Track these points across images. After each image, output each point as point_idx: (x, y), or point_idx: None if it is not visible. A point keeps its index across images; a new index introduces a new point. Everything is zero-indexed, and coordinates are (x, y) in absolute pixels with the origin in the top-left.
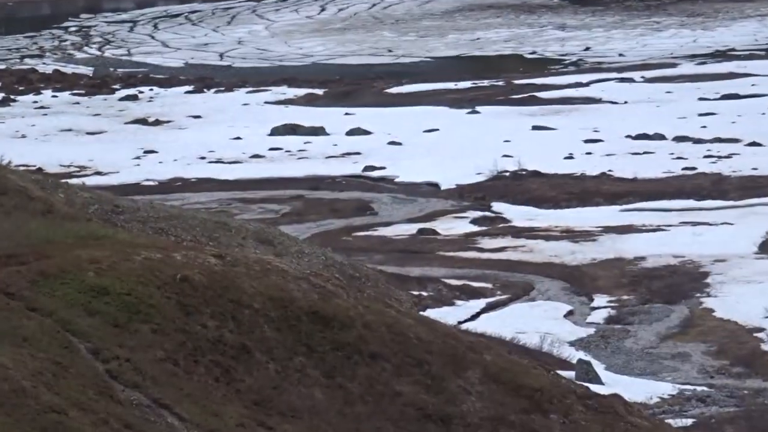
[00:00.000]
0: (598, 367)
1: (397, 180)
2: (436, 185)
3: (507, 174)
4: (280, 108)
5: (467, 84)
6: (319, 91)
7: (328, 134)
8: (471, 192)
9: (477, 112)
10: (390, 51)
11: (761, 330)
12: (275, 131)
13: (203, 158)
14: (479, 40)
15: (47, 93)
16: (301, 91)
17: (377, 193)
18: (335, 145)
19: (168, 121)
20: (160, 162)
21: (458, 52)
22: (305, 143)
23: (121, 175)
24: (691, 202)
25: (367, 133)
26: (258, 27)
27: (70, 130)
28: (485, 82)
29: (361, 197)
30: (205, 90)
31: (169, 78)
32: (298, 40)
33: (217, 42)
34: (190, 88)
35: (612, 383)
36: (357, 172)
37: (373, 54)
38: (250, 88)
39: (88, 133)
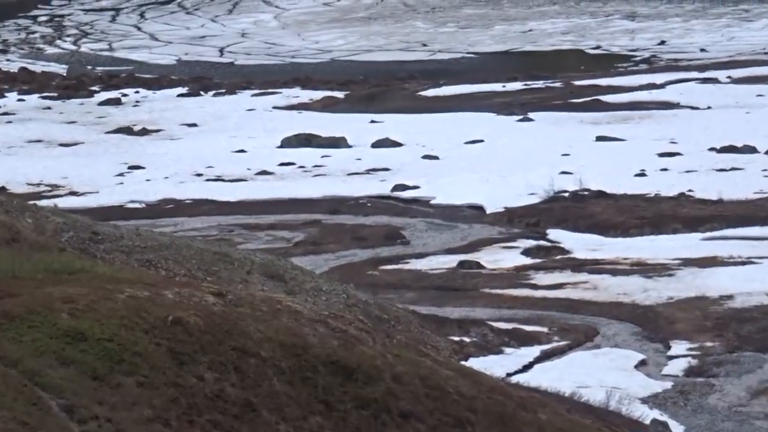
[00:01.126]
0: (677, 429)
1: (433, 202)
2: (480, 208)
3: (566, 195)
4: (292, 114)
5: (518, 85)
6: (339, 94)
7: (349, 146)
8: (522, 216)
9: (529, 120)
10: (424, 45)
11: None
12: (286, 143)
13: (200, 175)
14: (532, 32)
15: (12, 96)
16: (318, 94)
17: (409, 217)
18: (358, 159)
19: (157, 130)
20: (147, 180)
21: (507, 47)
22: (322, 157)
23: (100, 195)
24: None
25: (396, 144)
26: (266, 16)
27: (39, 141)
28: (539, 83)
29: (390, 223)
30: (202, 92)
31: (158, 78)
32: (314, 32)
33: (216, 34)
34: (183, 90)
35: None
36: (385, 192)
37: (405, 49)
38: (256, 91)
39: (61, 145)
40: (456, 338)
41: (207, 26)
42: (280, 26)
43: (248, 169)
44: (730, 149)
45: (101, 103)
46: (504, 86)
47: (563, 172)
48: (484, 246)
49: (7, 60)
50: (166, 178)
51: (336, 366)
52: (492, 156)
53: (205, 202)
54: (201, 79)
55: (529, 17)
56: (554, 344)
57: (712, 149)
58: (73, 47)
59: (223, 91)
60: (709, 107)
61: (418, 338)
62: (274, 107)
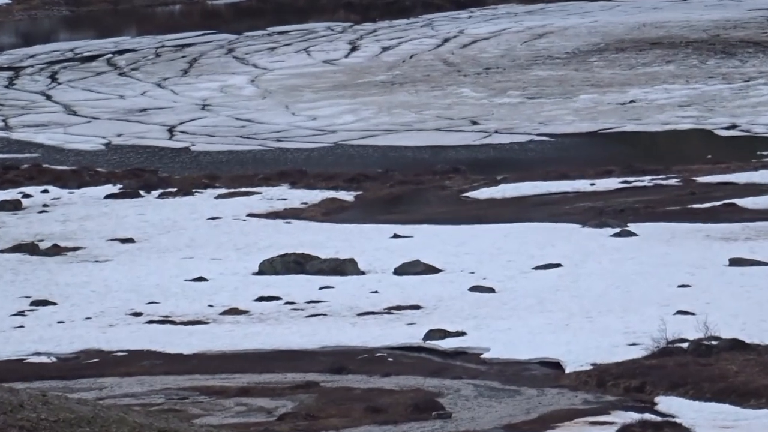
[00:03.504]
0: None
1: (486, 356)
2: (555, 365)
3: (684, 346)
4: (277, 226)
5: (613, 183)
6: (347, 196)
7: (361, 273)
8: (619, 378)
9: (630, 234)
10: (474, 123)
11: None
12: (267, 268)
13: (138, 315)
14: (635, 104)
15: None
16: (315, 196)
17: (450, 378)
18: (375, 292)
19: (75, 249)
20: (60, 321)
21: (597, 126)
22: (321, 289)
23: None
24: None
25: (432, 270)
26: (238, 79)
27: None
28: (645, 180)
29: (422, 387)
30: (142, 192)
31: (77, 170)
32: (310, 103)
33: (164, 106)
34: (114, 188)
35: None
36: (414, 341)
37: (445, 128)
38: (223, 190)
39: None
40: None
41: (150, 94)
42: (259, 94)
43: (210, 306)
44: None
45: None
46: (593, 184)
47: (680, 312)
48: (563, 421)
49: None
50: (88, 319)
51: None
52: (574, 288)
53: (146, 355)
54: (141, 172)
55: (631, 82)
56: None
57: None
58: None
59: (174, 190)
60: None
61: None
62: (250, 215)
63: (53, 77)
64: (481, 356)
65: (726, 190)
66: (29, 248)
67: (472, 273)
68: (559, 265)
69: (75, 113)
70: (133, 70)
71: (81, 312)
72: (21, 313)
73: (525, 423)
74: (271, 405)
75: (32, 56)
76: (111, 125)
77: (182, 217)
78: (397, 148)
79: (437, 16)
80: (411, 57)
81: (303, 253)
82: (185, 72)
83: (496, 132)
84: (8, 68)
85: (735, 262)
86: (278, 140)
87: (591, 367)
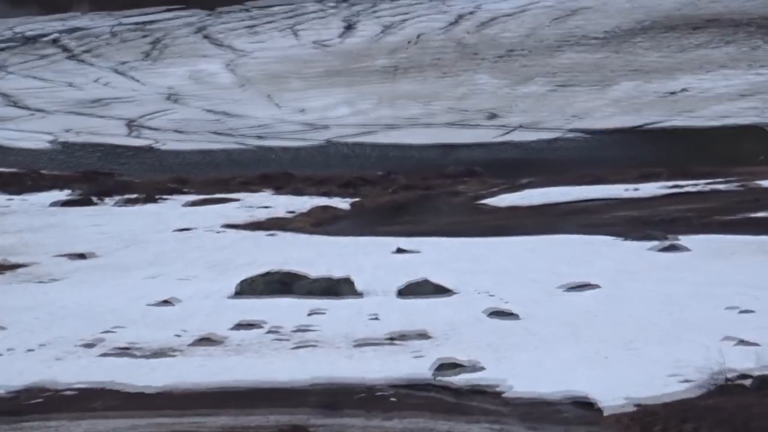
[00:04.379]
0: None
1: (507, 394)
2: (591, 405)
3: (746, 383)
4: (258, 238)
5: (658, 188)
6: (342, 203)
7: (358, 294)
8: (668, 421)
9: (679, 249)
10: (493, 116)
11: None
12: (247, 288)
13: (91, 345)
14: (685, 93)
15: None
16: (303, 203)
17: (465, 421)
18: (374, 317)
19: (16, 266)
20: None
21: (640, 120)
22: (311, 314)
23: None
24: None
25: (442, 292)
26: (212, 65)
27: None
28: (697, 185)
29: (433, 430)
30: (96, 199)
31: (19, 174)
32: (297, 92)
33: (124, 96)
34: (64, 194)
35: None
36: (422, 374)
37: (458, 123)
38: (194, 197)
39: None
40: None
41: (107, 81)
42: (237, 82)
43: (178, 335)
44: None
45: None
46: (635, 189)
47: (741, 342)
48: None
49: None
50: (31, 351)
51: None
52: (613, 313)
53: (102, 394)
54: (95, 175)
55: (682, 67)
56: None
57: None
58: None
59: (136, 197)
60: None
61: None
62: (227, 226)
63: None
64: (502, 394)
65: None
66: None
67: (491, 295)
68: (595, 285)
69: (15, 104)
70: (85, 53)
71: (23, 342)
72: None
73: None
74: None
75: None
76: (60, 119)
77: (145, 229)
78: (400, 146)
79: None
80: (418, 38)
81: (289, 272)
82: (148, 55)
83: (520, 127)
84: None
85: None
86: (260, 137)
87: (633, 409)
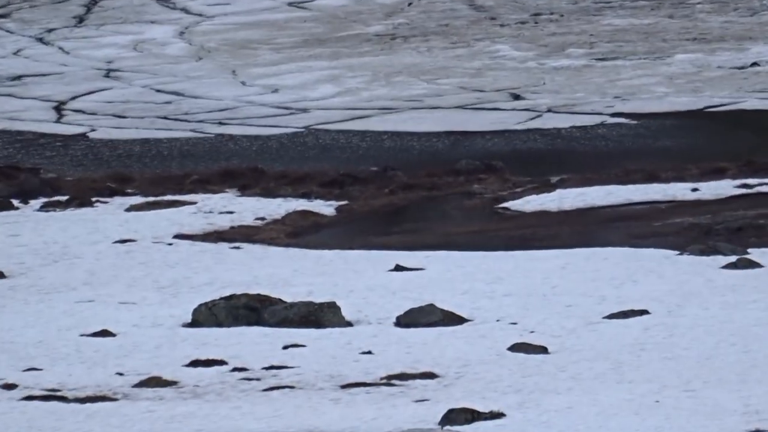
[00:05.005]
0: None
1: None
2: None
3: None
4: (220, 252)
5: (727, 187)
6: (326, 207)
7: (348, 323)
8: None
9: (752, 265)
10: (517, 97)
11: None
12: (205, 315)
13: (10, 387)
14: (758, 68)
15: None
16: (277, 206)
17: None
18: (367, 352)
19: None
20: None
21: (701, 101)
22: (287, 347)
23: None
24: None
25: (454, 320)
26: (160, 30)
27: None
28: None
29: None
30: (15, 202)
31: None
32: (268, 66)
33: (50, 71)
34: None
35: None
36: (428, 426)
37: (472, 105)
38: (139, 199)
39: None
40: None
41: (28, 53)
42: (192, 53)
43: (120, 373)
44: None
45: None
46: (695, 190)
47: None
48: None
49: None
50: None
51: None
52: (667, 347)
53: None
54: (13, 171)
55: (754, 34)
56: None
57: None
58: None
59: (65, 199)
60: None
61: None
62: (179, 236)
63: None
64: None
65: None
66: None
67: (514, 324)
68: (644, 311)
69: None
70: (1, 17)
71: None
72: None
73: None
74: None
75: None
76: None
77: (77, 240)
78: (400, 134)
79: None
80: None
81: (259, 295)
82: (80, 20)
83: (550, 111)
84: None
85: None
86: (221, 123)
87: None
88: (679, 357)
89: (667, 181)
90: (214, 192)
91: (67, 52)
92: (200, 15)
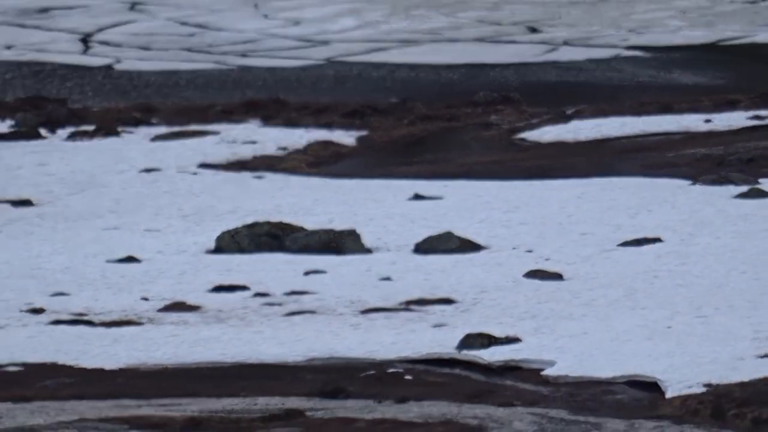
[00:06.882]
0: None
1: (550, 372)
2: (652, 386)
3: None
4: (243, 181)
5: (738, 118)
6: (347, 137)
7: (368, 250)
8: (745, 406)
9: (763, 195)
10: (533, 30)
11: None
12: (228, 242)
13: (38, 311)
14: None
15: None
16: (299, 137)
17: (498, 405)
18: (387, 279)
19: None
20: None
21: (715, 34)
22: (308, 273)
23: None
24: None
25: (471, 248)
26: None
27: None
28: None
29: (457, 418)
30: (43, 132)
31: None
32: (289, 0)
33: (75, 3)
34: (4, 125)
35: None
36: (446, 350)
37: (489, 38)
38: (164, 129)
39: None
40: None
41: None
42: None
43: (145, 298)
44: None
45: None
46: (708, 121)
47: None
48: None
49: None
50: None
51: None
52: (680, 274)
53: (52, 371)
54: (41, 102)
55: None
56: None
57: None
58: None
59: (91, 129)
60: None
61: None
62: (203, 165)
63: None
64: (543, 373)
65: None
66: None
67: (530, 252)
68: (658, 239)
69: None
70: None
71: None
72: None
73: None
74: None
75: None
76: None
77: (103, 169)
78: (419, 66)
79: None
80: None
81: (281, 222)
82: None
83: (565, 44)
84: None
85: None
86: (244, 55)
87: (704, 390)
88: (691, 284)
89: (680, 112)
90: (237, 122)
91: None
92: None
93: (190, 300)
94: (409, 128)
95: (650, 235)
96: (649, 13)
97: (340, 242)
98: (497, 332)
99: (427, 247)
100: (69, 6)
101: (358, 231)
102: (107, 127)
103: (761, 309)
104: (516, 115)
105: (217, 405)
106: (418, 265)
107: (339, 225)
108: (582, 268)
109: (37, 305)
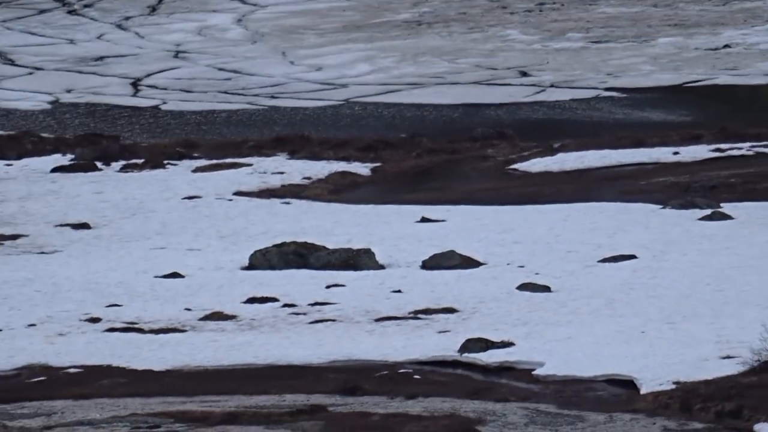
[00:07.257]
0: None
1: (539, 372)
2: (628, 383)
3: None
4: (272, 206)
5: (702, 151)
6: (362, 168)
7: (381, 266)
8: (709, 400)
9: (724, 217)
10: (524, 74)
11: None
12: (260, 260)
13: (95, 321)
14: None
15: None
16: (321, 168)
17: (495, 401)
18: (397, 291)
19: (15, 236)
20: None
21: (681, 78)
22: (329, 287)
23: None
24: None
25: (471, 263)
26: (221, 18)
27: None
28: (743, 148)
29: (459, 412)
30: (99, 164)
31: (16, 137)
32: (313, 49)
33: (127, 52)
34: (65, 159)
35: None
36: (449, 353)
37: (486, 81)
38: (204, 162)
39: None
40: None
41: (109, 37)
42: (248, 37)
43: (188, 309)
44: None
45: None
46: (676, 153)
47: None
48: None
49: None
50: (32, 326)
51: None
52: (652, 286)
53: (106, 372)
54: (97, 138)
55: (725, 20)
56: None
57: None
58: None
59: (140, 162)
60: None
61: None
62: (238, 193)
63: None
64: (533, 372)
65: None
66: None
67: (522, 267)
68: (632, 256)
69: (12, 62)
70: (86, 7)
71: (23, 317)
72: None
73: None
74: None
75: None
76: (59, 78)
77: (151, 197)
78: (425, 106)
79: None
80: None
81: (305, 242)
82: (153, 9)
83: (552, 86)
84: None
85: None
86: (273, 97)
87: (673, 387)
88: (662, 295)
89: (652, 146)
90: (267, 155)
91: (142, 37)
92: (255, 5)
93: (227, 310)
94: (417, 160)
95: (626, 252)
96: (625, 59)
97: (357, 260)
98: (494, 337)
99: (432, 263)
100: (121, 54)
101: (373, 249)
102: (154, 160)
103: (723, 317)
104: (509, 149)
105: (250, 401)
106: (425, 280)
107: (356, 244)
108: (567, 281)
109: (94, 315)
